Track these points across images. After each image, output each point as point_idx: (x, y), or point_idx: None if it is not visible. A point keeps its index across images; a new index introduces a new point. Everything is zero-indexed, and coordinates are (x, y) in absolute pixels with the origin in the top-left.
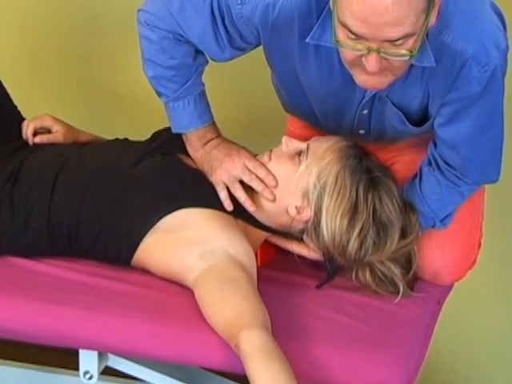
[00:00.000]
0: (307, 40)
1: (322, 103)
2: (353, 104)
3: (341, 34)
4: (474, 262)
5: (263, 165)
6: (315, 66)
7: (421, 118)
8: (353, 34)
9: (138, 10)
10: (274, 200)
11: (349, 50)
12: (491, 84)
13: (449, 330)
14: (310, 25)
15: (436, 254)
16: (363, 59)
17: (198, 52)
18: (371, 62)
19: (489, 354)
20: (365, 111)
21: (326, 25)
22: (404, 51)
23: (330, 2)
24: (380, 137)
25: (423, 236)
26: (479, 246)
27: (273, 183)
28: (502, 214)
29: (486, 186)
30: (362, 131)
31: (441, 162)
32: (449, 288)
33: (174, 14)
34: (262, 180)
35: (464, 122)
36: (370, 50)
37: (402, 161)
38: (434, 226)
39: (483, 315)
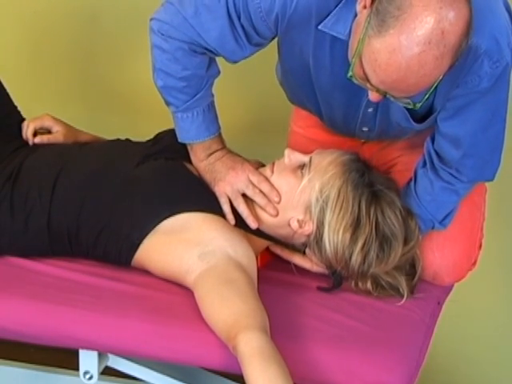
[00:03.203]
0: (320, 27)
1: (329, 98)
2: (360, 101)
3: (356, 69)
4: (475, 262)
5: (267, 179)
6: (329, 57)
7: (425, 114)
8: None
9: (151, 19)
10: (276, 215)
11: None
12: (500, 81)
13: (449, 330)
14: (327, 15)
15: (436, 254)
16: (368, 85)
17: (211, 62)
18: (373, 97)
19: (489, 355)
20: (370, 109)
21: (340, 16)
22: (409, 101)
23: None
24: (383, 134)
25: (424, 236)
26: (480, 246)
27: (276, 199)
28: (503, 215)
29: (488, 186)
30: (365, 128)
31: (436, 161)
32: (449, 288)
33: (189, 20)
34: (265, 195)
35: (468, 116)
36: (378, 91)
37: (403, 161)
38: (433, 228)
39: (483, 316)
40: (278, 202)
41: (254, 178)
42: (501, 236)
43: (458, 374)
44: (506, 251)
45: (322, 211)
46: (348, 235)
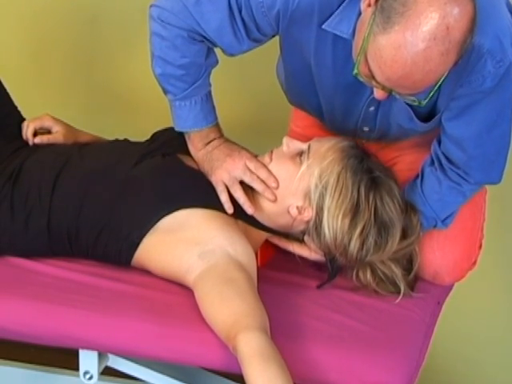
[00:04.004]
0: (323, 26)
1: (330, 97)
2: (361, 99)
3: (362, 67)
4: (475, 262)
5: (264, 165)
6: (331, 55)
7: (428, 114)
8: (373, 76)
9: (151, 6)
10: (275, 200)
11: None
12: (504, 80)
13: (449, 330)
14: (330, 13)
15: (437, 253)
16: (374, 83)
17: (209, 51)
18: (379, 94)
19: (489, 355)
20: (371, 108)
21: (344, 14)
22: (414, 98)
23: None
24: (383, 135)
25: (424, 235)
26: (480, 246)
27: (274, 184)
28: (503, 215)
29: (488, 187)
30: (366, 128)
31: (444, 161)
32: (449, 288)
33: (189, 8)
34: (263, 181)
35: (473, 117)
36: (383, 89)
37: (404, 161)
38: (435, 226)
39: (483, 316)
40: (276, 188)
41: (252, 165)
42: (501, 236)
43: (457, 374)
44: (506, 251)
45: (322, 197)
46: (347, 220)
